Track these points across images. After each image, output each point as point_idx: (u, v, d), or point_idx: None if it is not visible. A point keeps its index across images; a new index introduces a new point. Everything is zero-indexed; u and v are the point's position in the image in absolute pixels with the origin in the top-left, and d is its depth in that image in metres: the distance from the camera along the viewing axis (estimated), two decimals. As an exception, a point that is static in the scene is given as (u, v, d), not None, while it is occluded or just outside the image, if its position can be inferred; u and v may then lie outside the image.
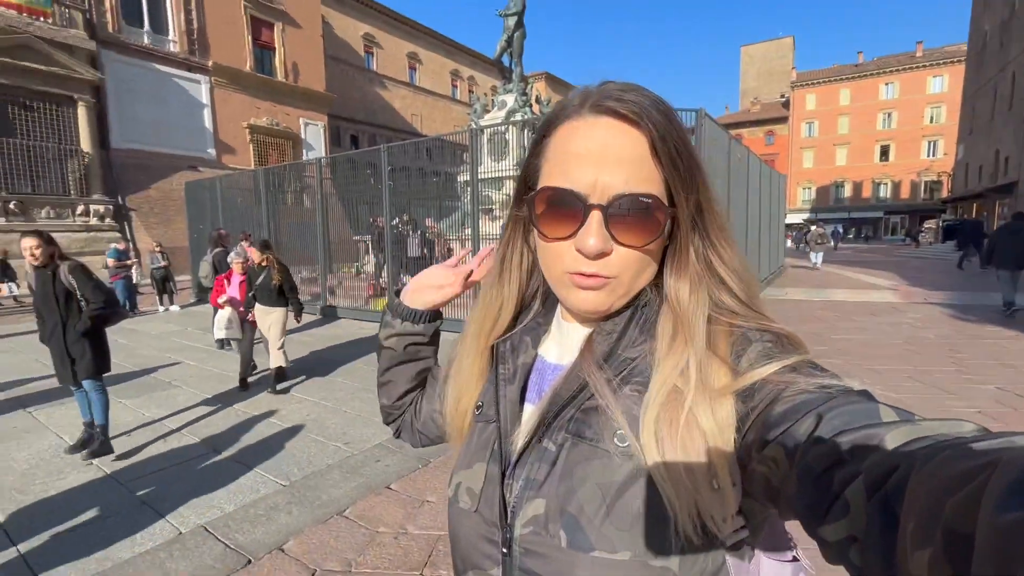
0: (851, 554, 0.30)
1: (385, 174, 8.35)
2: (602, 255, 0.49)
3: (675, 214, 0.50)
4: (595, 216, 0.48)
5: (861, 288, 11.73)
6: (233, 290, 5.34)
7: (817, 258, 16.87)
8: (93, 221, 15.90)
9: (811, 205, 52.23)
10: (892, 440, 0.31)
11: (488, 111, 13.23)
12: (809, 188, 52.91)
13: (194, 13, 19.05)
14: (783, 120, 54.60)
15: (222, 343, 6.63)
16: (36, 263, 3.41)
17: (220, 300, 5.31)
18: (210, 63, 19.40)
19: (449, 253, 9.45)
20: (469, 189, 10.94)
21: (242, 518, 2.75)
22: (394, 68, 34.50)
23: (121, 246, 10.68)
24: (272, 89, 21.72)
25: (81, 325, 3.41)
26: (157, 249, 10.88)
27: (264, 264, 5.04)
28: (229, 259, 5.83)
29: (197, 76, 19.21)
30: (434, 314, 0.75)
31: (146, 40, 17.94)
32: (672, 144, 0.48)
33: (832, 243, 17.21)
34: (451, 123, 36.36)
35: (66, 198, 15.53)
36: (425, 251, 10.27)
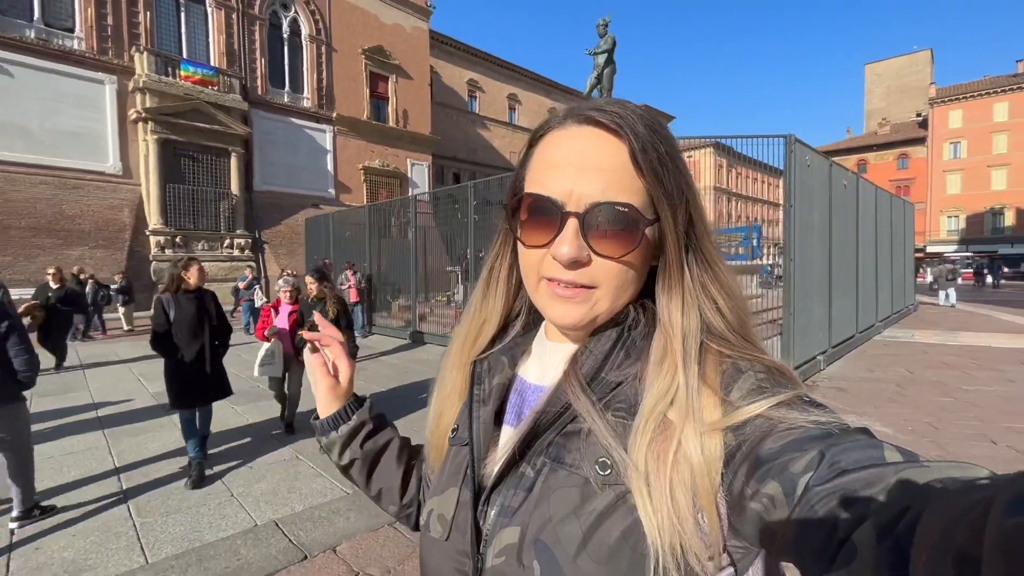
0: None
1: (471, 208, 8.84)
2: (578, 264, 0.47)
3: (659, 227, 0.49)
4: (571, 224, 0.47)
5: (1014, 333, 9.89)
6: (281, 321, 4.67)
7: (949, 296, 14.57)
8: (235, 252, 18.59)
9: (960, 236, 45.26)
10: (901, 482, 0.30)
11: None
12: (956, 216, 46.00)
13: (324, 74, 21.97)
14: (919, 141, 48.54)
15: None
16: (192, 286, 3.73)
17: (266, 332, 4.55)
18: (334, 114, 22.11)
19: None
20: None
21: (307, 518, 3.04)
22: (495, 109, 36.56)
23: (249, 274, 12.32)
24: (384, 134, 24.09)
25: (223, 351, 3.80)
26: (287, 274, 12.41)
27: (320, 297, 4.60)
28: (277, 287, 5.27)
29: (323, 126, 21.97)
30: (356, 401, 0.72)
31: (286, 99, 20.99)
32: (655, 156, 0.46)
33: (956, 278, 14.76)
34: (547, 158, 37.27)
35: (217, 233, 18.36)
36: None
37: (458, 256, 10.63)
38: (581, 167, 0.47)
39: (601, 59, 12.96)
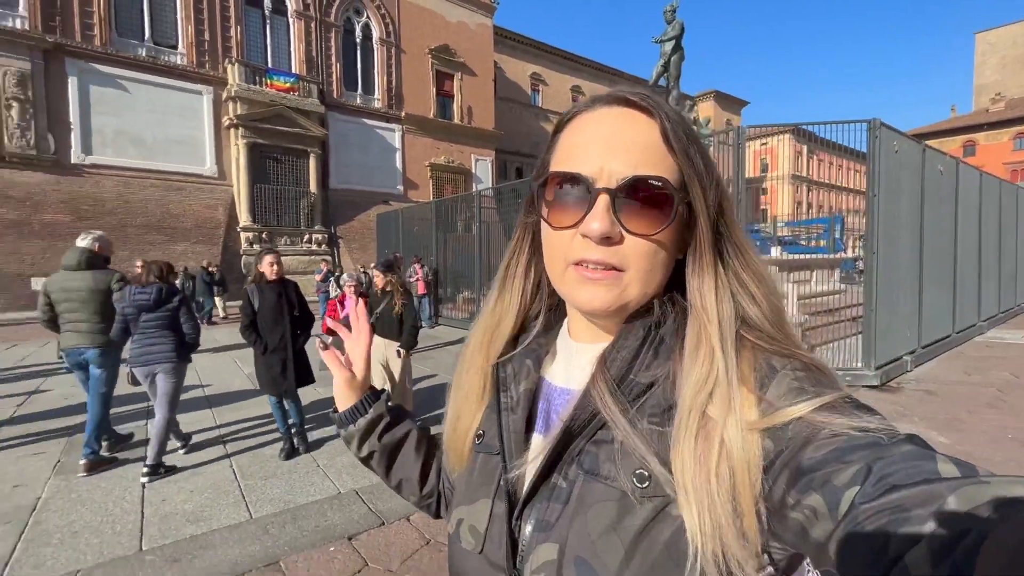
0: None
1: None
2: (609, 241, 0.46)
3: (691, 208, 0.47)
4: (602, 200, 0.45)
5: None
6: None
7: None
8: (313, 247, 19.92)
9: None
10: (958, 500, 0.28)
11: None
12: (1086, 203, 40.14)
13: (393, 75, 22.89)
14: (1042, 118, 42.75)
15: None
16: (272, 277, 3.93)
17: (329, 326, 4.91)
18: (403, 114, 22.98)
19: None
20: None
21: (383, 490, 3.32)
22: (558, 102, 36.36)
23: (324, 267, 13.18)
24: (449, 131, 24.73)
25: (303, 340, 3.94)
26: (362, 269, 13.20)
27: (387, 289, 4.33)
28: (342, 282, 5.37)
29: (392, 125, 22.91)
30: (373, 395, 0.73)
31: (358, 101, 22.10)
32: (684, 135, 0.46)
33: None
34: (611, 150, 36.63)
35: (297, 229, 19.74)
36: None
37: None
38: (611, 144, 0.46)
39: (668, 47, 12.61)
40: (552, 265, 0.50)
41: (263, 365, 3.91)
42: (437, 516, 0.73)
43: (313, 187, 20.14)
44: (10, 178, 15.16)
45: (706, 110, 47.12)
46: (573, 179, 0.47)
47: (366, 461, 0.72)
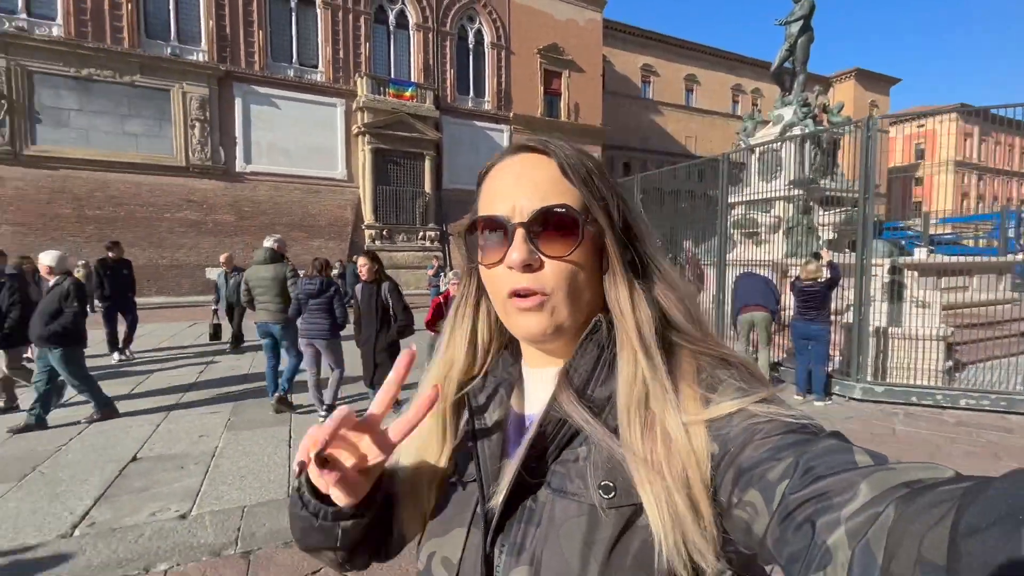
0: None
1: (636, 201, 8.84)
2: (530, 268, 0.50)
3: (597, 225, 0.52)
4: (518, 233, 0.50)
5: None
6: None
7: None
8: (427, 243, 21.39)
9: None
10: (871, 486, 0.31)
11: (759, 128, 12.30)
12: None
13: (503, 77, 23.66)
14: None
15: None
16: (364, 278, 4.25)
17: (438, 325, 4.66)
18: (511, 114, 23.67)
19: (700, 278, 9.22)
20: (733, 211, 10.49)
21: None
22: (670, 93, 34.81)
23: (436, 263, 14.13)
24: (556, 129, 24.92)
25: (389, 337, 4.20)
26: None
27: None
28: (447, 279, 5.68)
29: (501, 126, 23.71)
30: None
31: (470, 104, 23.20)
32: (583, 169, 0.52)
33: None
34: (728, 141, 34.32)
35: (413, 227, 21.34)
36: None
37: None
38: (518, 184, 0.52)
39: (795, 27, 11.54)
40: (495, 302, 0.55)
41: (363, 359, 4.50)
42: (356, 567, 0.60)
43: (427, 187, 21.60)
44: (193, 185, 18.34)
45: (844, 91, 41.92)
46: (493, 220, 0.52)
47: (331, 549, 0.55)
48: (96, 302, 8.13)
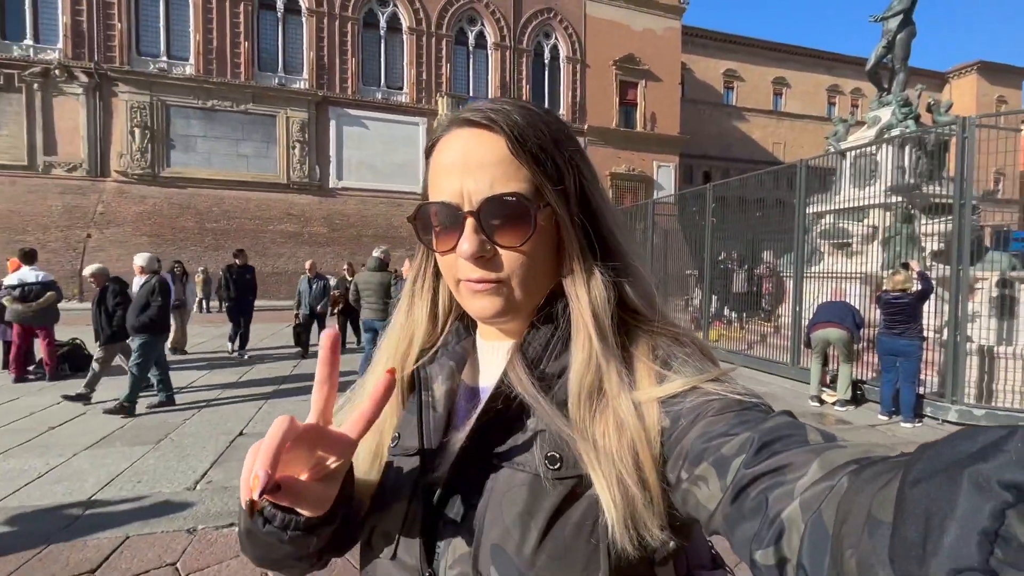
0: None
1: (708, 211, 8.63)
2: (482, 259, 0.49)
3: (551, 209, 0.49)
4: (469, 223, 0.48)
5: None
6: None
7: None
8: (500, 254, 21.99)
9: None
10: (823, 461, 0.32)
11: (851, 131, 11.48)
12: None
13: (578, 90, 23.90)
14: None
15: None
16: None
17: None
18: (585, 126, 23.80)
19: (773, 291, 8.78)
20: (821, 221, 9.86)
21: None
22: (755, 98, 33.18)
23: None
24: (631, 139, 24.69)
25: None
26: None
27: None
28: None
29: (577, 137, 23.87)
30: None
31: (545, 117, 23.64)
32: (535, 143, 0.48)
33: None
34: (822, 146, 32.01)
35: (488, 237, 22.05)
36: (754, 288, 9.87)
37: (696, 261, 10.41)
38: (466, 166, 0.48)
39: (893, 23, 10.72)
40: (449, 283, 0.53)
41: None
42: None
43: (502, 200, 22.23)
44: (292, 200, 20.30)
45: (965, 87, 37.56)
46: (441, 207, 0.50)
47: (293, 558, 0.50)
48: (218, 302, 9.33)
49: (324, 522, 0.45)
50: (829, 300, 6.14)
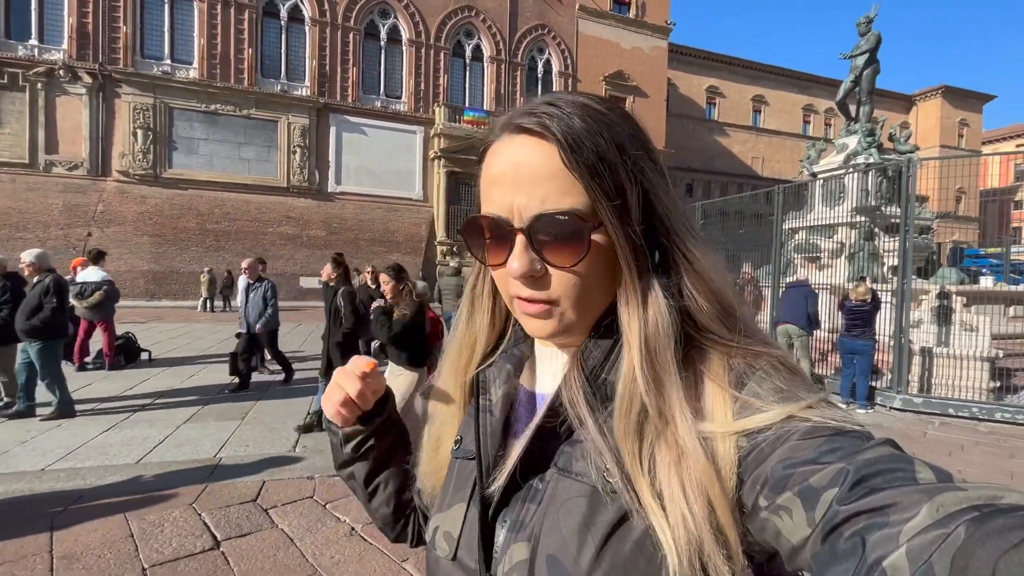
0: None
1: (698, 226, 9.61)
2: (532, 279, 0.46)
3: (604, 227, 0.45)
4: (519, 240, 0.46)
5: None
6: None
7: None
8: (493, 259, 22.80)
9: None
10: (936, 504, 0.28)
11: (822, 155, 12.67)
12: None
13: (569, 103, 24.95)
14: None
15: None
16: (324, 279, 4.71)
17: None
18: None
19: (752, 299, 9.79)
20: (796, 236, 10.96)
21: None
22: (736, 114, 34.78)
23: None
24: (619, 152, 25.79)
25: (335, 337, 4.40)
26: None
27: (393, 299, 3.66)
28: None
29: (566, 150, 24.94)
30: (384, 396, 0.66)
31: (537, 129, 24.61)
32: (593, 152, 0.44)
33: None
34: (796, 161, 33.70)
35: (481, 243, 22.84)
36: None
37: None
38: (517, 180, 0.46)
39: (861, 60, 11.92)
40: (504, 295, 0.52)
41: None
42: (397, 539, 0.71)
43: (495, 207, 23.08)
44: (292, 203, 20.80)
45: (930, 110, 39.88)
46: (491, 221, 0.48)
47: (352, 462, 0.67)
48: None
49: (356, 427, 0.64)
50: (793, 283, 7.05)
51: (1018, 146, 42.69)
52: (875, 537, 0.29)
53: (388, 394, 0.67)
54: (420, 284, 4.24)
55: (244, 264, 6.46)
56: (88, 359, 6.72)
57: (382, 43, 22.37)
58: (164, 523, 2.77)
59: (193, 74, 19.74)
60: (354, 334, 4.49)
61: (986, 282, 8.84)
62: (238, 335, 6.21)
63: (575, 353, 0.50)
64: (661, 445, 0.43)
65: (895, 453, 0.34)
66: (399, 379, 3.48)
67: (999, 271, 14.34)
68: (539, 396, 0.54)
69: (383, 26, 22.26)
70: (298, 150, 20.88)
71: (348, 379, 0.61)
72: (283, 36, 21.04)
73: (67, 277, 7.08)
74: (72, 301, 6.34)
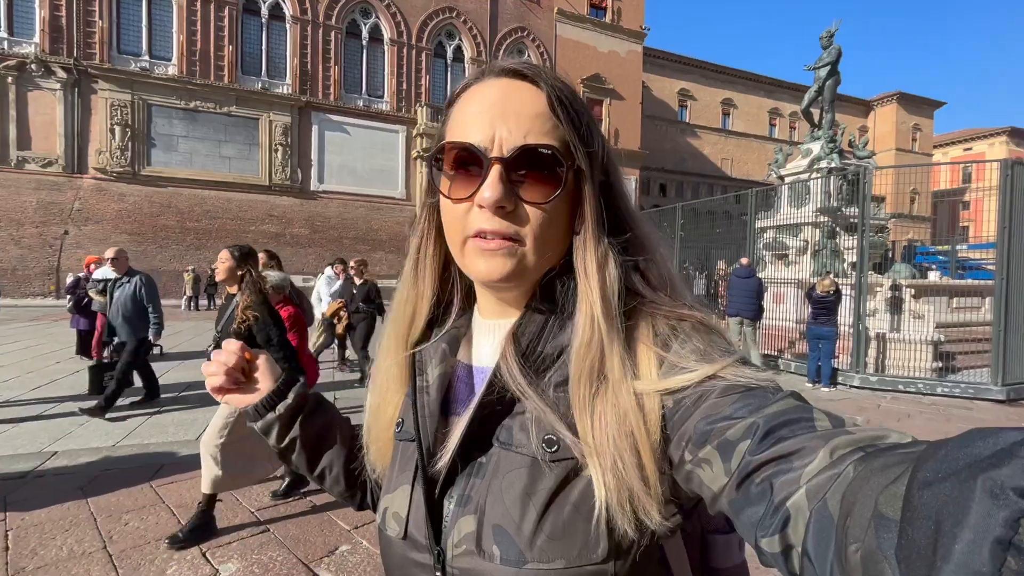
0: (790, 562, 0.31)
1: (678, 227, 10.31)
2: (503, 210, 0.46)
3: (578, 173, 0.48)
4: (495, 169, 0.45)
5: None
6: None
7: None
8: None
9: None
10: (830, 448, 0.31)
11: (791, 160, 13.62)
12: None
13: (549, 104, 25.58)
14: None
15: None
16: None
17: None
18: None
19: (726, 293, 10.58)
20: (764, 234, 11.82)
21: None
22: (706, 117, 36.06)
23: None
24: (597, 153, 26.58)
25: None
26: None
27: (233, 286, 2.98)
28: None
29: (546, 150, 25.58)
30: (288, 380, 0.67)
31: (518, 129, 25.15)
32: (571, 106, 0.47)
33: None
34: (764, 163, 35.17)
35: (464, 241, 23.27)
36: (711, 291, 11.70)
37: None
38: (503, 112, 0.46)
39: (823, 72, 12.86)
40: (452, 240, 0.50)
41: None
42: (360, 508, 0.72)
43: (477, 206, 23.54)
44: (274, 202, 20.78)
45: (886, 115, 42.13)
46: (466, 150, 0.47)
47: (285, 452, 0.67)
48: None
49: (267, 407, 0.65)
50: (739, 268, 7.70)
51: (965, 150, 45.59)
52: (780, 480, 0.33)
53: (293, 379, 0.68)
54: (275, 275, 3.49)
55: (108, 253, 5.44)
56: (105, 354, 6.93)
57: (364, 42, 22.50)
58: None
59: (172, 70, 19.52)
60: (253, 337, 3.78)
61: (933, 276, 9.82)
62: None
63: (511, 329, 0.51)
64: (601, 397, 0.45)
65: (798, 404, 0.38)
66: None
67: (946, 267, 15.68)
68: (476, 370, 0.55)
69: (365, 25, 22.39)
70: (280, 148, 20.86)
71: (221, 353, 0.65)
72: (264, 34, 20.97)
73: (81, 274, 7.28)
74: (92, 295, 6.57)
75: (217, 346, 2.64)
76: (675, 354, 0.45)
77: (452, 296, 0.59)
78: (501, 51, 24.54)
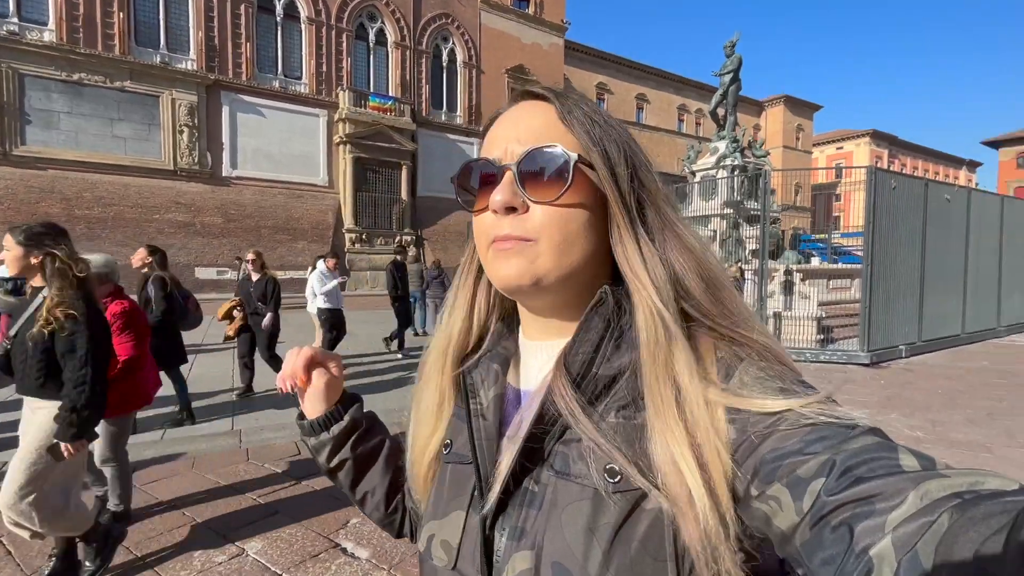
0: None
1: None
2: (514, 212, 0.47)
3: (594, 172, 0.48)
4: (506, 175, 0.48)
5: None
6: None
7: None
8: (403, 247, 23.03)
9: None
10: (920, 493, 0.29)
11: (701, 156, 15.02)
12: None
13: (474, 94, 25.67)
14: None
15: None
16: (136, 266, 4.33)
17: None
18: (481, 128, 25.54)
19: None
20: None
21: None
22: (623, 110, 37.89)
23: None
24: (522, 143, 27.18)
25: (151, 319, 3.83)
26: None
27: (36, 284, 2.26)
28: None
29: (472, 140, 25.67)
30: (347, 399, 0.68)
31: (443, 118, 25.03)
32: (583, 114, 0.49)
33: None
34: (674, 157, 37.81)
35: (390, 231, 22.87)
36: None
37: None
38: (516, 127, 0.50)
39: (727, 78, 14.29)
40: (482, 253, 0.51)
41: None
42: (399, 535, 0.70)
43: (404, 194, 23.23)
44: (181, 188, 19.13)
45: (775, 115, 46.82)
46: (481, 164, 0.51)
47: (334, 472, 0.67)
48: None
49: (322, 428, 0.65)
50: None
51: (837, 148, 52.12)
52: (862, 526, 0.30)
53: (352, 400, 0.68)
54: (96, 257, 2.83)
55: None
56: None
57: (278, 18, 21.14)
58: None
59: (49, 36, 17.15)
60: (167, 326, 4.07)
61: (815, 261, 11.48)
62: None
63: (562, 351, 0.48)
64: (679, 405, 0.42)
65: (880, 442, 0.35)
66: (40, 412, 2.13)
67: (824, 253, 18.26)
68: (523, 393, 0.53)
69: (279, 1, 21.05)
70: (185, 130, 19.15)
71: (292, 355, 0.64)
72: (161, 1, 19.02)
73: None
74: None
75: (5, 356, 2.06)
76: (737, 382, 0.42)
77: (496, 318, 0.60)
78: (426, 37, 24.20)
